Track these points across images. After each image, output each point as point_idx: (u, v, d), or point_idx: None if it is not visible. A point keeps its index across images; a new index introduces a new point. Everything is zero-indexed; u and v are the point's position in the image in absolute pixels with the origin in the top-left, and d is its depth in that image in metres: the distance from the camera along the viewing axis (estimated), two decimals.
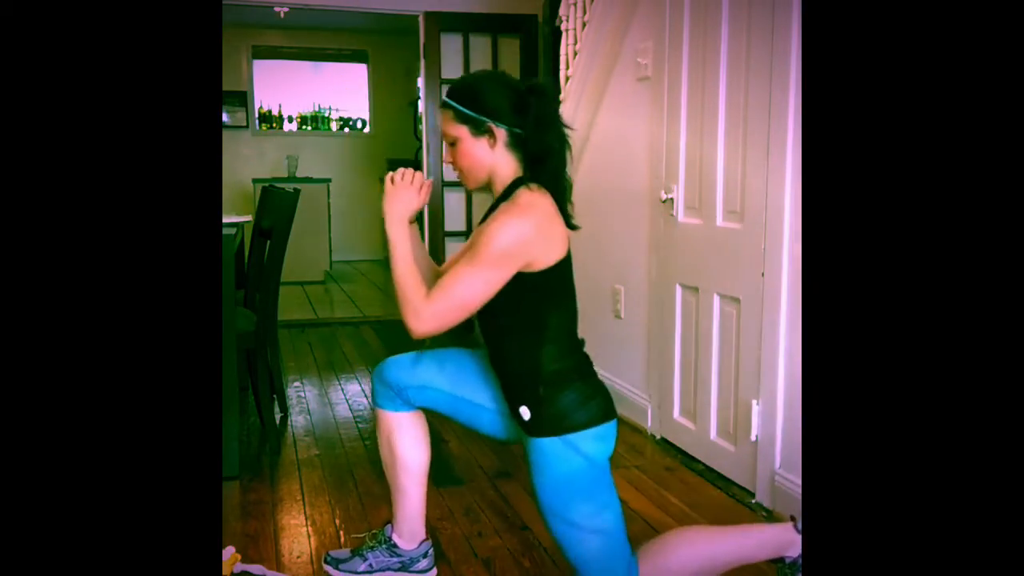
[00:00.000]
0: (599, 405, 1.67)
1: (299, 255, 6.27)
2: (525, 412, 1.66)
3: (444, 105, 1.70)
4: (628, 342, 3.25)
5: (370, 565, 1.97)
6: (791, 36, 2.17)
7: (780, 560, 1.73)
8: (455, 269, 1.61)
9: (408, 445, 1.91)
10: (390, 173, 1.76)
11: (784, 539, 1.74)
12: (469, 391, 1.83)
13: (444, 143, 1.72)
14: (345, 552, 2.04)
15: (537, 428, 1.65)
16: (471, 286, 1.58)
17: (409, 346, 1.77)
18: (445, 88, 6.27)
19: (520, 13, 5.38)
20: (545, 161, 1.67)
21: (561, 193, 1.70)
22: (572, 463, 1.64)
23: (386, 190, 1.73)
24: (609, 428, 1.68)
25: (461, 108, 1.66)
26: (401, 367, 1.87)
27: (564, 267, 1.67)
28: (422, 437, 1.93)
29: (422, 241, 1.83)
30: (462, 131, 1.67)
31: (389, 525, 1.98)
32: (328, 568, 2.01)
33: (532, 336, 1.66)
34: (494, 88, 1.67)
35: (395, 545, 1.97)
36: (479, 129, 1.66)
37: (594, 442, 1.64)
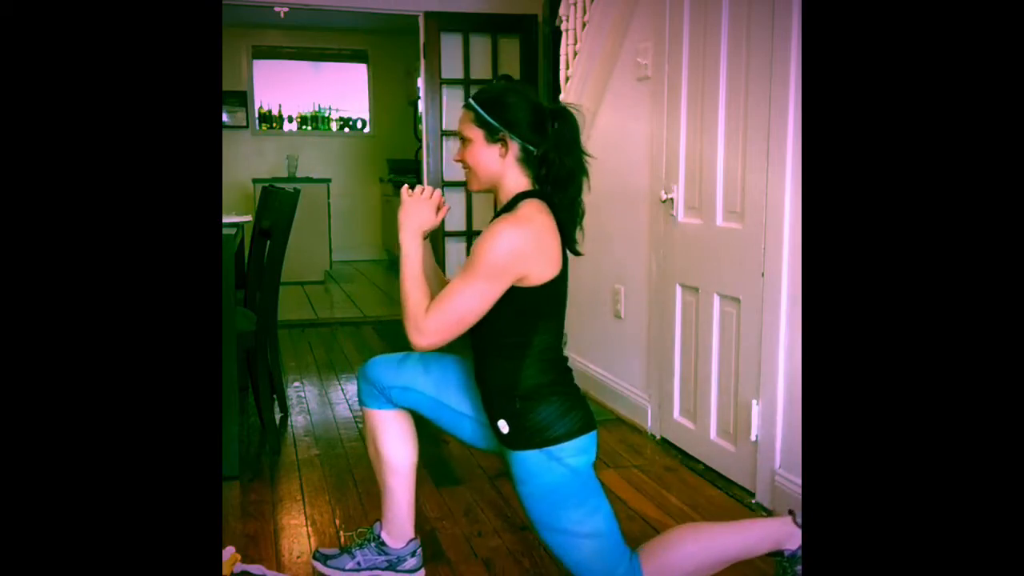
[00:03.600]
0: (578, 417, 1.68)
1: (299, 255, 6.26)
2: (504, 426, 1.68)
3: (467, 106, 1.73)
4: (628, 342, 3.25)
5: (358, 563, 1.97)
6: (791, 36, 2.17)
7: (779, 553, 1.73)
8: (452, 283, 1.64)
9: (393, 443, 1.91)
10: (406, 186, 1.78)
11: (783, 532, 1.74)
12: (452, 398, 1.84)
13: (458, 139, 1.74)
14: (334, 549, 2.04)
15: (516, 441, 1.66)
16: (467, 300, 1.61)
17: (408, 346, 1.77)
18: (445, 88, 6.26)
19: (520, 13, 5.38)
20: (566, 187, 1.70)
21: (574, 219, 1.74)
22: (555, 473, 1.65)
23: (403, 201, 1.75)
24: (589, 440, 1.69)
25: (481, 112, 1.69)
26: (386, 367, 1.89)
27: (557, 286, 1.68)
28: (408, 435, 1.93)
29: (434, 254, 1.85)
30: (477, 134, 1.70)
31: (378, 523, 1.99)
32: (316, 564, 2.01)
33: (515, 353, 1.68)
34: (518, 102, 1.70)
35: (384, 543, 1.97)
36: (493, 136, 1.69)
37: (574, 455, 1.66)
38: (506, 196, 1.72)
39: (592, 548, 1.69)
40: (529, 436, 1.65)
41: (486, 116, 1.68)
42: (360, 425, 3.23)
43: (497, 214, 1.71)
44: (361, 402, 1.94)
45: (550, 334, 1.71)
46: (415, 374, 1.86)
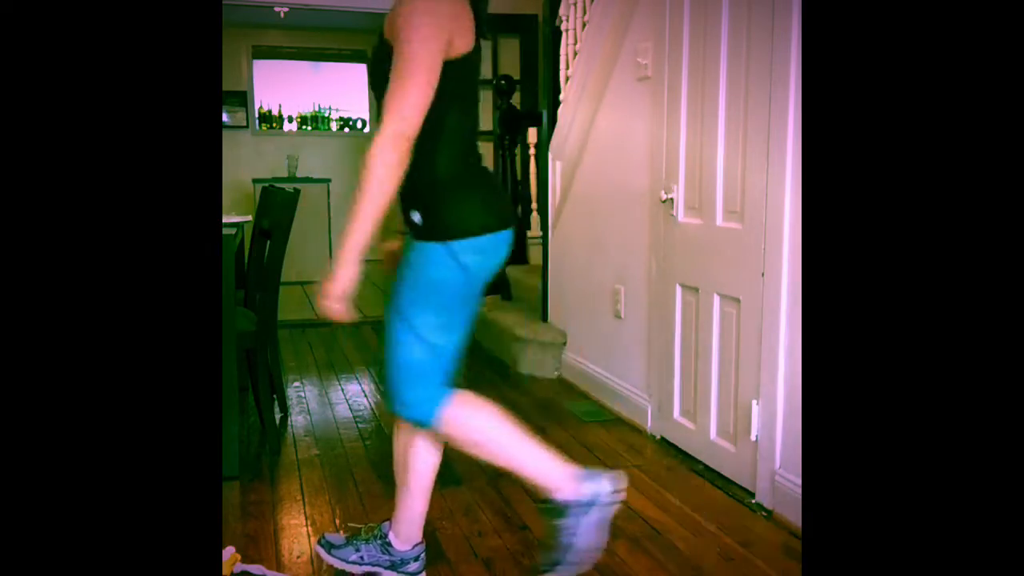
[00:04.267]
0: (490, 215, 1.67)
1: (299, 255, 6.27)
2: (416, 216, 1.67)
3: None
4: (628, 342, 3.25)
5: (361, 557, 1.97)
6: (791, 36, 2.17)
7: (548, 500, 1.77)
8: (392, 81, 1.55)
9: (423, 448, 1.91)
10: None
11: (562, 479, 1.76)
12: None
13: None
14: (340, 538, 2.03)
15: (425, 233, 1.66)
16: (415, 77, 1.54)
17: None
18: None
19: (520, 13, 5.38)
20: None
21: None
22: (445, 271, 1.65)
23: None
24: (494, 240, 1.68)
25: None
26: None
27: (470, 62, 1.65)
28: (437, 441, 1.93)
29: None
30: None
31: (387, 523, 1.98)
32: (320, 550, 2.00)
33: (430, 138, 1.62)
34: None
35: (389, 543, 1.97)
36: None
37: (475, 254, 1.66)
38: None
39: (421, 356, 1.71)
40: (438, 229, 1.64)
41: None
42: (360, 425, 3.23)
43: None
44: (397, 412, 1.85)
45: (467, 120, 1.68)
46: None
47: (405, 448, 1.92)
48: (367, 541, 1.98)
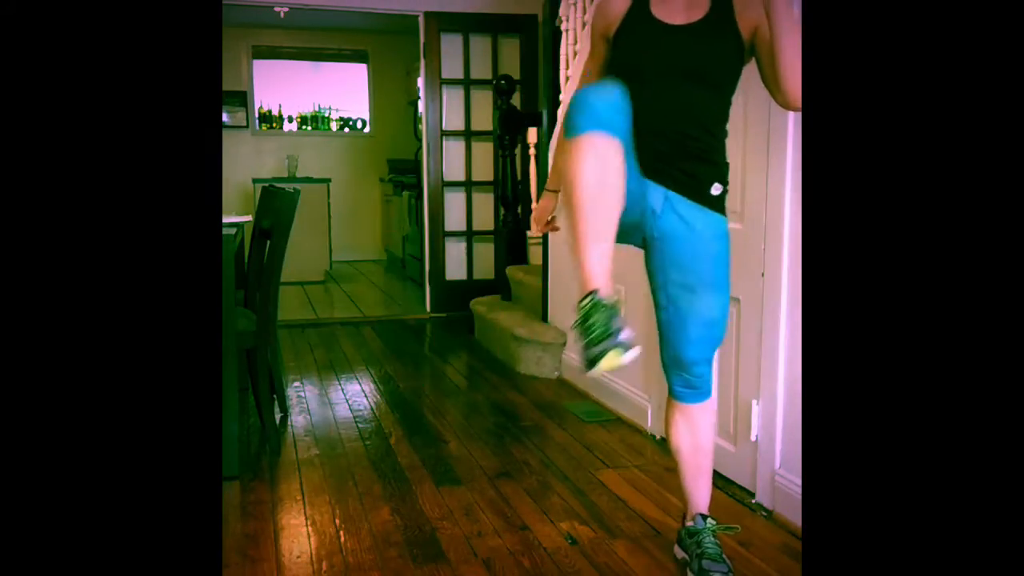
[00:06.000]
0: None
1: (299, 255, 6.26)
2: (718, 188, 1.82)
3: None
4: None
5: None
6: None
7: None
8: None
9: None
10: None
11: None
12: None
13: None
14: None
15: (721, 206, 1.83)
16: None
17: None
18: (445, 88, 6.27)
19: (520, 13, 5.38)
20: None
21: None
22: (728, 244, 1.86)
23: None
24: None
25: None
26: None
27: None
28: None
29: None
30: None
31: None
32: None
33: (724, 120, 1.85)
34: None
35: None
36: None
37: None
38: None
39: (727, 312, 1.88)
40: (724, 204, 1.84)
41: None
42: (360, 425, 3.23)
43: None
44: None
45: None
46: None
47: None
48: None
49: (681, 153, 1.79)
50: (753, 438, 2.41)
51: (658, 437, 3.00)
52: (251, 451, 2.94)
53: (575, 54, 3.71)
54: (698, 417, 1.95)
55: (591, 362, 1.48)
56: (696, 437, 1.96)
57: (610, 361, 1.48)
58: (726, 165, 1.87)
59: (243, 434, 3.06)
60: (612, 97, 1.56)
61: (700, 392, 1.92)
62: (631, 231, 1.83)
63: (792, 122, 2.19)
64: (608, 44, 1.88)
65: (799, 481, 2.23)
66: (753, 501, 2.41)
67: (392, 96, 8.59)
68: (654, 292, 1.92)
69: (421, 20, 5.30)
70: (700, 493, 2.00)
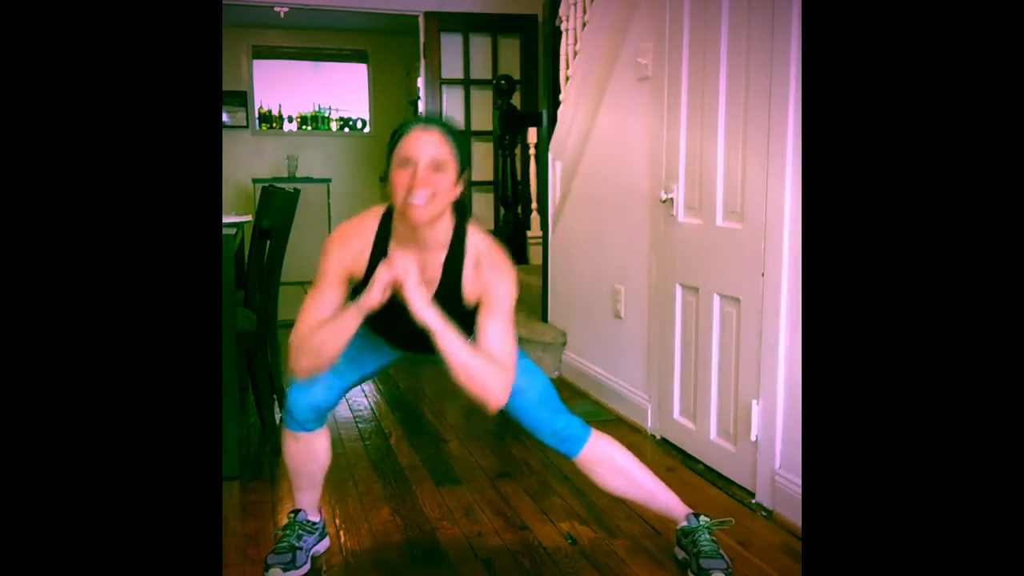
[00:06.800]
0: None
1: (299, 255, 6.25)
2: None
3: (444, 128, 1.71)
4: (628, 342, 3.25)
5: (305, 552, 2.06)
6: (791, 36, 2.17)
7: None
8: (500, 331, 1.71)
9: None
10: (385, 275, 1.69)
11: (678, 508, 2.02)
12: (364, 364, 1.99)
13: (421, 165, 1.65)
14: (285, 555, 2.00)
15: None
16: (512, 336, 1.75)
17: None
18: (445, 88, 6.25)
19: (520, 13, 5.38)
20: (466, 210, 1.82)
21: None
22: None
23: (400, 279, 1.68)
24: None
25: (456, 145, 1.71)
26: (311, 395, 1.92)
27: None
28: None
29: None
30: (452, 165, 1.70)
31: (300, 512, 2.07)
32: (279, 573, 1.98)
33: None
34: (467, 145, 1.77)
35: (312, 521, 2.08)
36: (460, 174, 1.72)
37: None
38: (444, 230, 1.76)
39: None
40: None
41: (459, 151, 1.70)
42: (360, 425, 3.23)
43: (453, 249, 1.77)
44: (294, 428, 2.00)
45: None
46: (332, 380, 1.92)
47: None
48: (300, 536, 2.06)
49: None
50: (753, 438, 2.41)
51: (658, 437, 3.00)
52: (251, 451, 2.94)
53: (575, 54, 3.71)
54: (598, 452, 1.98)
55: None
56: (615, 466, 2.00)
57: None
58: None
59: (243, 434, 3.06)
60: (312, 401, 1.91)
61: (575, 437, 1.95)
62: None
63: (792, 122, 2.19)
64: (347, 289, 1.83)
65: (799, 481, 2.23)
66: (753, 501, 2.41)
67: (392, 96, 8.59)
68: None
69: (421, 20, 5.30)
70: (668, 503, 2.04)
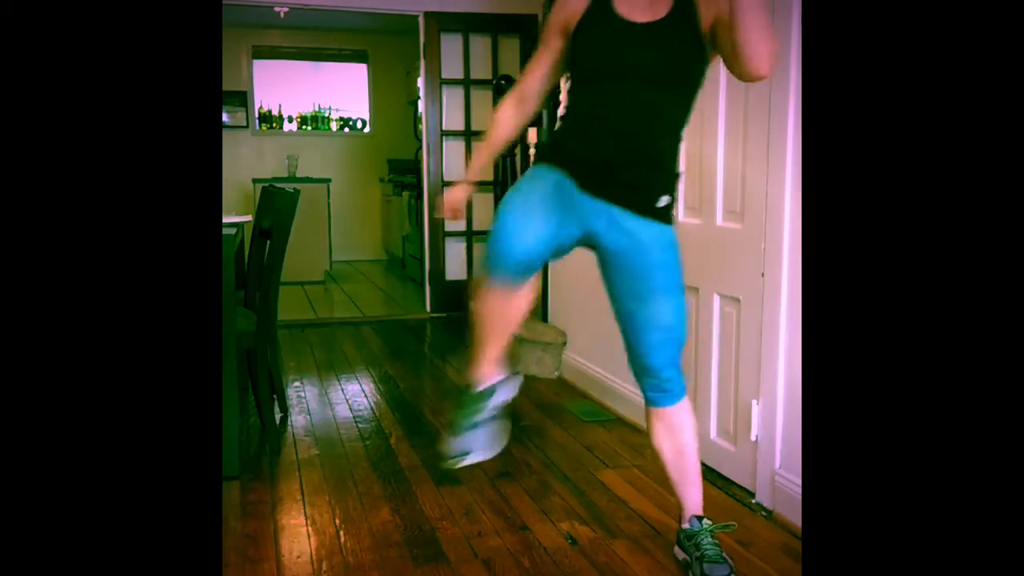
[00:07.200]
0: None
1: (299, 255, 6.26)
2: (665, 200, 1.79)
3: None
4: None
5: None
6: (791, 36, 2.17)
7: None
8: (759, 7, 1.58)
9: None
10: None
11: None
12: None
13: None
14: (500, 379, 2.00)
15: (669, 218, 1.82)
16: None
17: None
18: (445, 88, 6.25)
19: (520, 13, 5.37)
20: None
21: None
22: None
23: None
24: None
25: None
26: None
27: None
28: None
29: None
30: None
31: (489, 383, 1.98)
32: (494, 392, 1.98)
33: (676, 135, 1.82)
34: None
35: (493, 385, 1.99)
36: None
37: None
38: None
39: (683, 314, 1.89)
40: (671, 216, 1.83)
41: None
42: (360, 425, 3.23)
43: None
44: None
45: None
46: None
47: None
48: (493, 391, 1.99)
49: (633, 159, 1.77)
50: (753, 438, 2.41)
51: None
52: (251, 451, 2.94)
53: None
54: (675, 419, 1.97)
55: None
56: (676, 439, 1.98)
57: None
58: (677, 175, 1.85)
59: (243, 434, 3.06)
60: (527, 239, 1.76)
61: (672, 395, 1.94)
62: (570, 249, 1.89)
63: (792, 122, 2.19)
64: (566, 39, 1.83)
65: (799, 481, 2.23)
66: (753, 501, 2.41)
67: (392, 96, 8.59)
68: (612, 302, 1.95)
69: (421, 20, 5.30)
70: (691, 496, 2.02)
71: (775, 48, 1.62)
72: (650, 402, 1.96)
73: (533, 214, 1.76)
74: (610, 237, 1.81)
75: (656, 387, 1.93)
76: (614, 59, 1.74)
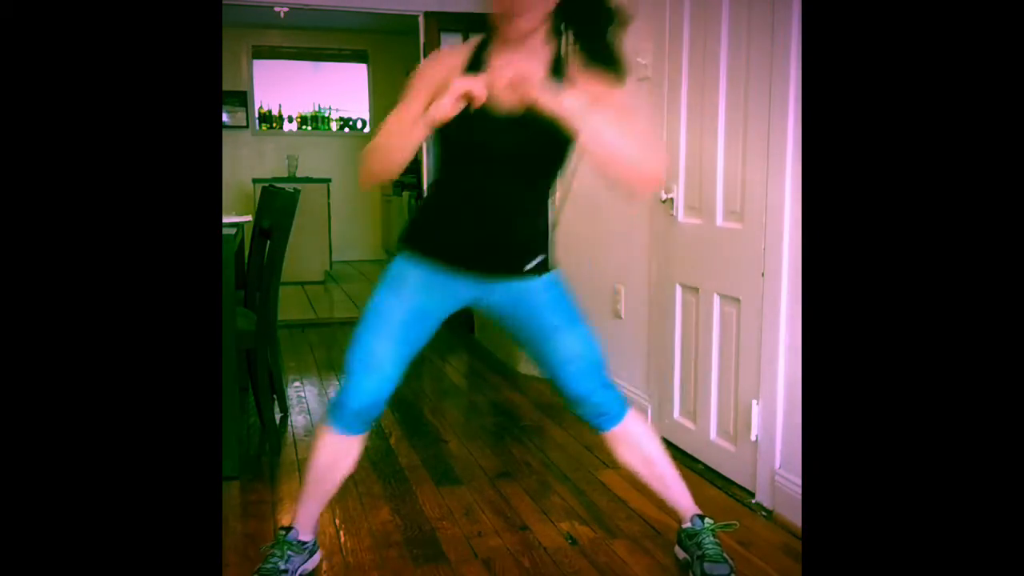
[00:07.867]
0: None
1: (299, 255, 6.26)
2: (534, 263, 1.82)
3: None
4: (628, 342, 3.25)
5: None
6: (791, 36, 2.17)
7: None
8: (630, 128, 1.63)
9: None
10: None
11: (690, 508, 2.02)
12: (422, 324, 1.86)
13: None
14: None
15: (545, 269, 1.86)
16: None
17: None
18: None
19: None
20: None
21: None
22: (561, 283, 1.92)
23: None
24: None
25: None
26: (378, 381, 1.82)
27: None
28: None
29: None
30: None
31: (292, 530, 1.92)
32: None
33: (546, 198, 1.84)
34: None
35: (303, 542, 1.93)
36: None
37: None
38: (541, 36, 1.82)
39: (589, 337, 1.95)
40: (546, 264, 1.86)
41: None
42: None
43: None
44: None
45: None
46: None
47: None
48: (287, 558, 1.90)
49: (503, 241, 1.79)
50: (753, 438, 2.41)
51: (659, 437, 3.00)
52: (251, 451, 2.94)
53: None
54: (628, 435, 1.98)
55: None
56: (639, 452, 1.99)
57: None
58: (545, 233, 1.85)
59: (243, 434, 3.06)
60: (377, 374, 1.81)
61: (612, 416, 1.95)
62: (447, 317, 1.89)
63: (792, 122, 2.19)
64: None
65: (799, 481, 2.23)
66: (753, 501, 2.41)
67: (392, 96, 8.53)
68: (523, 350, 1.98)
69: (421, 20, 5.30)
70: (680, 498, 2.03)
71: (644, 170, 1.63)
72: (595, 430, 1.98)
73: (390, 334, 1.80)
74: (490, 299, 1.86)
75: (593, 414, 1.94)
76: (482, 144, 1.72)
